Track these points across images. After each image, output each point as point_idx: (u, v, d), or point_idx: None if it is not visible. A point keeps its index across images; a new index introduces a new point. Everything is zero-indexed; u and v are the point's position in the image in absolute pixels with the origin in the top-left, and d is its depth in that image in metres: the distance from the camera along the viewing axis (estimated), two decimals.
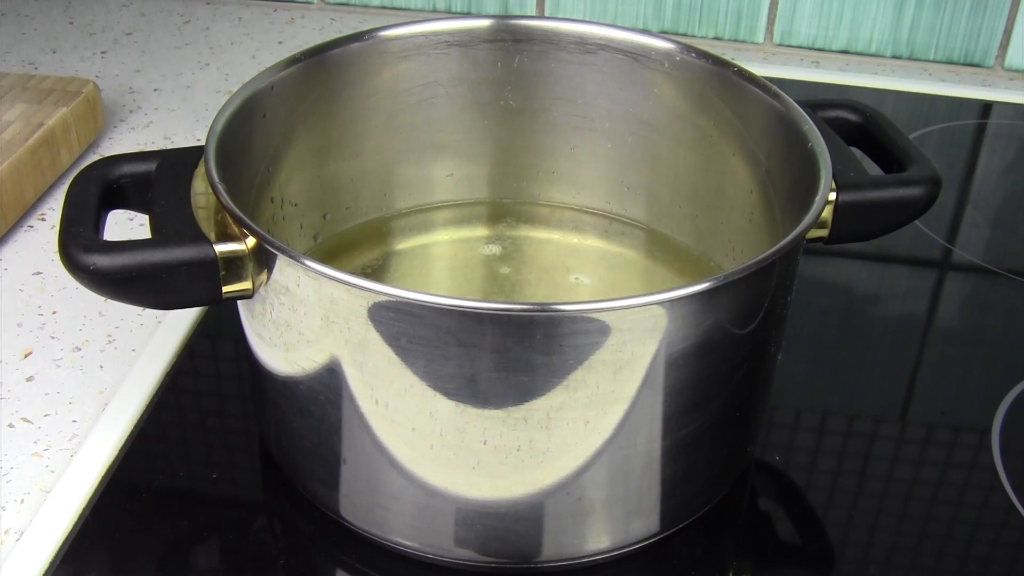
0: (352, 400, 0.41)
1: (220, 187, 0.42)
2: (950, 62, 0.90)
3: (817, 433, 0.52)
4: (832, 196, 0.46)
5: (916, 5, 0.87)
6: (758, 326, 0.42)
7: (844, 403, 0.54)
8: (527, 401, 0.39)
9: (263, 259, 0.40)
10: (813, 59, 0.91)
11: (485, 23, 0.55)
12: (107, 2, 0.96)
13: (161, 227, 0.42)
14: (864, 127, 0.52)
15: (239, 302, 0.45)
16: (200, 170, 0.44)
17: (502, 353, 0.38)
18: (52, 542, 0.45)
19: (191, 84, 0.83)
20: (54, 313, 0.58)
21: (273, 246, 0.39)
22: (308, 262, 0.38)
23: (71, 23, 0.92)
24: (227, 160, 0.44)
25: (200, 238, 0.41)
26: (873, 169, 0.49)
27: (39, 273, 0.61)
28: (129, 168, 0.45)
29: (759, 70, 0.52)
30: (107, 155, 0.48)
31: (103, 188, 0.45)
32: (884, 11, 0.88)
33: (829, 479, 0.49)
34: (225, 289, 0.41)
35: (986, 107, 0.85)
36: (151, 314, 0.58)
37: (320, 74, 0.52)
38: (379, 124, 0.56)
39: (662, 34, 0.64)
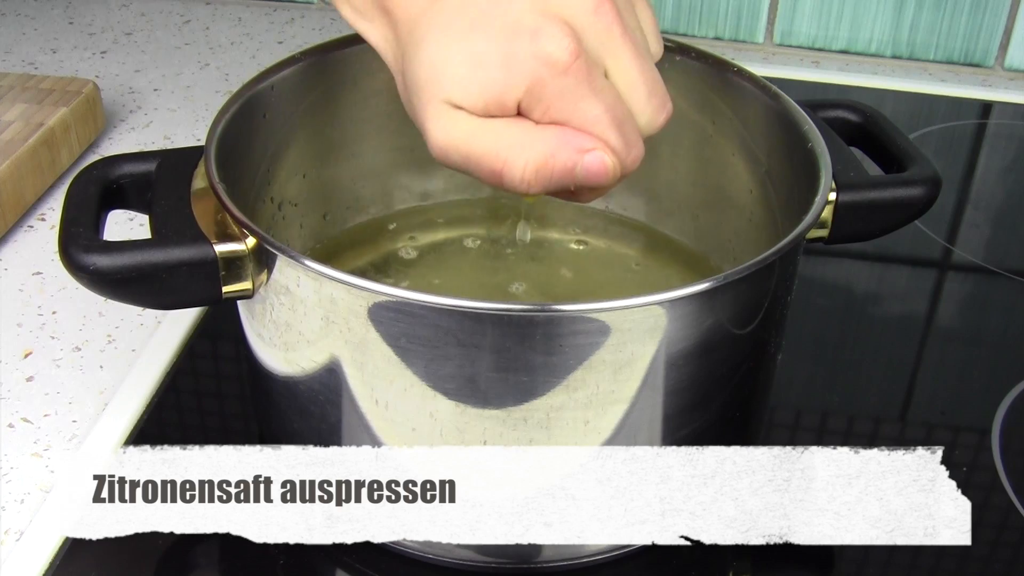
0: (352, 400, 0.41)
1: (220, 187, 0.41)
2: (950, 62, 0.90)
3: (817, 433, 0.52)
4: (832, 196, 0.45)
5: (916, 5, 0.87)
6: (758, 326, 0.42)
7: (844, 403, 0.54)
8: (527, 401, 0.39)
9: (263, 259, 0.40)
10: (813, 59, 0.91)
11: None
12: (107, 2, 0.96)
13: (161, 227, 0.42)
14: (864, 127, 0.52)
15: (239, 302, 0.45)
16: (200, 170, 0.44)
17: (502, 353, 0.38)
18: (52, 542, 0.45)
19: (191, 84, 0.83)
20: (54, 313, 0.58)
21: (273, 246, 0.39)
22: (308, 262, 0.38)
23: (71, 23, 0.92)
24: (227, 160, 0.44)
25: (200, 238, 0.41)
26: (873, 169, 0.49)
27: (39, 273, 0.61)
28: (129, 168, 0.45)
29: (759, 70, 0.52)
30: (107, 155, 0.48)
31: (103, 188, 0.45)
32: (884, 11, 0.88)
33: None
34: (225, 289, 0.41)
35: (986, 107, 0.85)
36: (151, 314, 0.58)
37: (320, 74, 0.52)
38: (379, 124, 0.56)
39: (662, 34, 0.63)
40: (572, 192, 0.40)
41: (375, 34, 0.41)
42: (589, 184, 0.39)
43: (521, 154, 0.38)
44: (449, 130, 0.38)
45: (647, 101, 0.40)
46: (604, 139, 0.38)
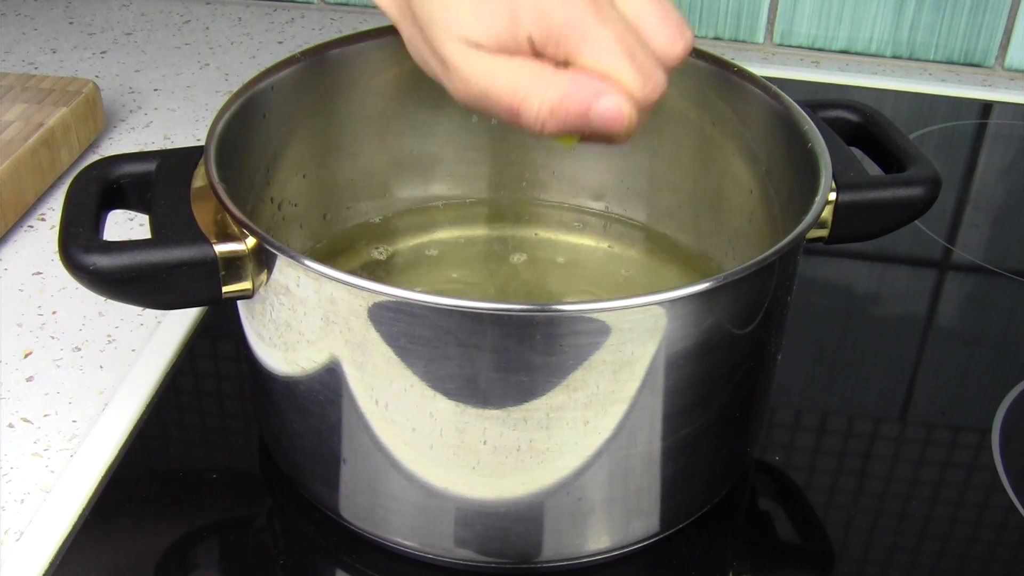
0: (352, 400, 0.41)
1: (220, 187, 0.41)
2: (950, 62, 0.90)
3: (817, 433, 0.52)
4: (832, 196, 0.46)
5: (916, 5, 0.87)
6: (758, 326, 0.42)
7: (844, 403, 0.54)
8: (527, 401, 0.39)
9: (263, 259, 0.40)
10: (813, 59, 0.91)
11: None
12: (107, 2, 0.96)
13: (161, 227, 0.42)
14: (864, 127, 0.52)
15: (239, 302, 0.45)
16: (200, 170, 0.44)
17: (502, 353, 0.38)
18: (52, 542, 0.45)
19: (191, 84, 0.83)
20: (54, 313, 0.58)
21: (273, 246, 0.39)
22: (308, 262, 0.38)
23: (71, 23, 0.92)
24: (227, 160, 0.44)
25: (200, 238, 0.41)
26: (873, 169, 0.49)
27: (39, 273, 0.61)
28: (129, 168, 0.45)
29: (759, 70, 0.52)
30: (107, 155, 0.48)
31: (103, 188, 0.45)
32: (884, 11, 0.88)
33: (829, 479, 0.49)
34: (225, 289, 0.41)
35: (986, 107, 0.85)
36: (151, 314, 0.58)
37: (320, 74, 0.52)
38: (379, 124, 0.56)
39: None
40: (590, 136, 0.40)
41: None
42: (604, 130, 0.38)
43: (537, 93, 0.38)
44: (468, 67, 0.38)
45: (658, 27, 0.39)
46: (617, 69, 0.38)
